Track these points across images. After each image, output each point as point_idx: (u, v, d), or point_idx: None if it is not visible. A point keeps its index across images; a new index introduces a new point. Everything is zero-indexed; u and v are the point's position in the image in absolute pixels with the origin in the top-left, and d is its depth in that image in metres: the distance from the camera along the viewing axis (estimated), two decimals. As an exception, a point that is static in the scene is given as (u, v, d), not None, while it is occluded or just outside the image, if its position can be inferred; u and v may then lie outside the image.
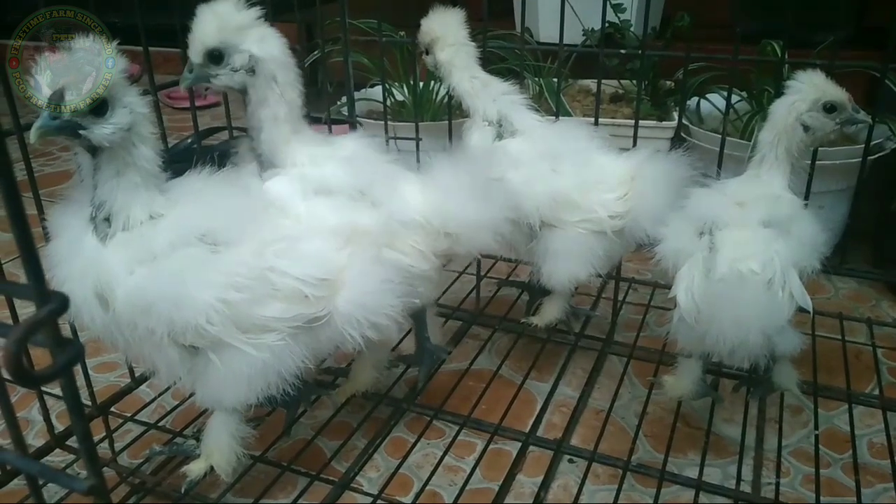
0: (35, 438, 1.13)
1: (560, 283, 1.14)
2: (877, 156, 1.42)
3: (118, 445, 1.04)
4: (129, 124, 0.74)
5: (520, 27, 1.29)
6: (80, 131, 0.72)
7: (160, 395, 1.15)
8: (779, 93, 1.03)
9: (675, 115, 1.61)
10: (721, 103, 1.64)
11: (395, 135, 1.47)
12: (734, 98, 1.61)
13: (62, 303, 0.41)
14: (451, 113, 1.34)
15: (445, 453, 1.05)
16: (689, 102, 1.62)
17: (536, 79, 1.72)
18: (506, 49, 1.73)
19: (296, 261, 0.83)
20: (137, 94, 0.75)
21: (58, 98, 0.70)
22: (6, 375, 0.39)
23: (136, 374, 1.09)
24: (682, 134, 1.55)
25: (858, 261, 1.50)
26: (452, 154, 1.07)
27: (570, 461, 1.07)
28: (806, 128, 0.96)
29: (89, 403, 1.02)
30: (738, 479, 0.99)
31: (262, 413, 1.06)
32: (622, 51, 1.23)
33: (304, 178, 0.92)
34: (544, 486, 1.01)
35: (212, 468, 0.90)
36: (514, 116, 1.13)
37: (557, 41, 1.24)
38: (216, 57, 0.87)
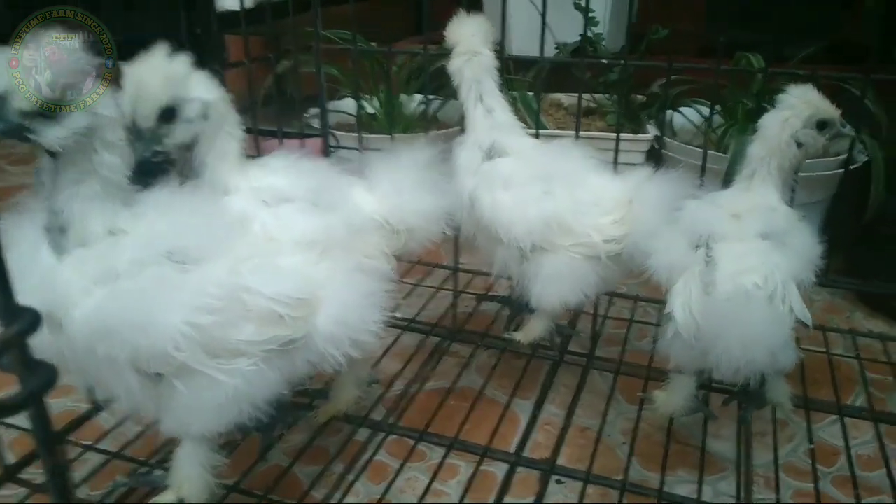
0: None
1: (550, 306, 1.10)
2: (851, 167, 1.43)
3: (77, 476, 0.97)
4: (86, 128, 0.67)
5: (500, 38, 1.26)
6: (28, 135, 0.65)
7: (121, 422, 1.08)
8: (759, 105, 1.04)
9: (650, 127, 1.61)
10: (694, 117, 1.65)
11: (367, 147, 1.44)
12: (708, 111, 1.62)
13: (33, 320, 0.36)
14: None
15: (433, 479, 0.99)
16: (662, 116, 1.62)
17: (511, 92, 1.70)
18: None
19: (270, 279, 0.77)
20: (104, 94, 0.69)
21: (1, 99, 0.63)
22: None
23: (95, 400, 1.01)
24: (657, 146, 1.55)
25: (832, 272, 1.51)
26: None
27: (559, 482, 1.03)
28: (799, 144, 0.94)
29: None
30: (739, 495, 0.96)
31: (235, 438, 1.00)
32: (604, 60, 1.21)
33: (259, 191, 0.89)
34: (535, 508, 0.97)
35: (181, 501, 0.83)
36: (506, 141, 1.09)
37: (527, 55, 1.21)
38: (169, 114, 0.82)
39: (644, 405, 1.11)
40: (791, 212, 0.95)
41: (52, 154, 0.68)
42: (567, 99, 1.81)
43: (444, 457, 1.02)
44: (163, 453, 1.00)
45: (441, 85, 1.83)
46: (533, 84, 1.38)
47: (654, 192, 1.03)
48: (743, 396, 1.02)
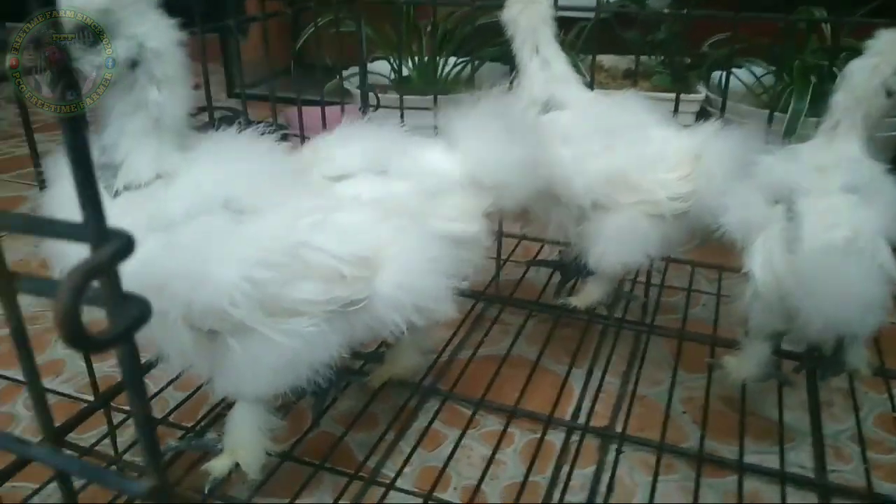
0: (24, 435, 1.01)
1: (611, 268, 1.05)
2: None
3: (121, 442, 0.93)
4: (131, 59, 0.63)
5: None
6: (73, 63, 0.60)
7: (163, 388, 1.04)
8: (821, 62, 0.97)
9: (700, 88, 1.54)
10: (746, 77, 1.58)
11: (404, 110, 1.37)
12: (760, 71, 1.55)
13: (127, 243, 0.31)
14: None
15: (497, 448, 0.95)
16: (712, 76, 1.55)
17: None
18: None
19: (333, 235, 0.72)
20: (162, 24, 0.64)
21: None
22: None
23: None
24: (708, 108, 1.48)
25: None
26: (467, 108, 0.94)
27: (620, 452, 0.99)
28: (889, 93, 0.88)
29: (86, 397, 0.91)
30: (821, 466, 0.92)
31: (290, 402, 0.96)
32: (665, 10, 1.14)
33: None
34: (596, 478, 0.93)
35: (237, 465, 0.80)
36: (564, 94, 1.03)
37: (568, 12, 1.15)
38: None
39: (713, 372, 1.05)
40: (876, 165, 0.89)
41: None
42: (609, 60, 1.74)
43: (506, 426, 0.97)
44: (208, 419, 0.97)
45: (476, 47, 1.78)
46: (575, 43, 1.32)
47: (723, 147, 0.96)
48: (818, 363, 0.97)
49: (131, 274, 0.60)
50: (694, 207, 0.98)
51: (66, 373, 1.14)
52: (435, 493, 0.87)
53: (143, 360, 0.97)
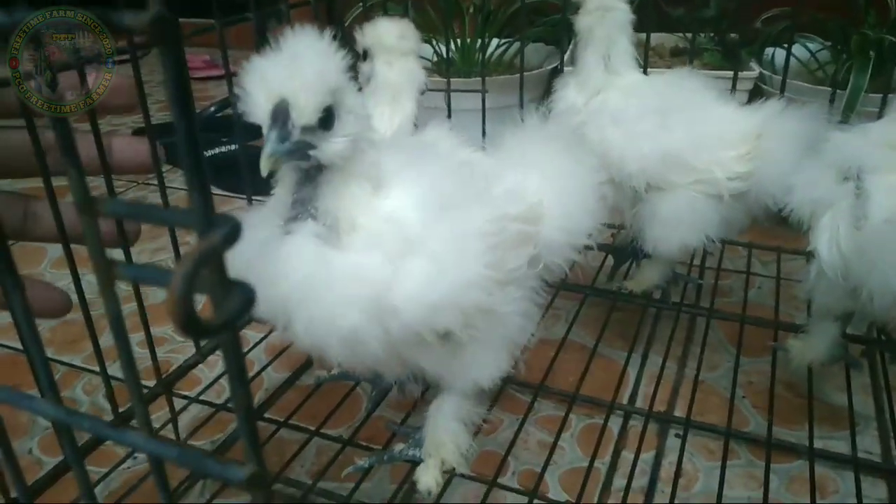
0: (84, 421, 1.03)
1: (668, 251, 1.02)
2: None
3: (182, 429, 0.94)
4: (358, 133, 0.61)
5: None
6: (311, 152, 0.58)
7: (221, 375, 1.05)
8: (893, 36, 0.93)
9: (753, 65, 1.50)
10: (799, 53, 1.53)
11: (450, 93, 1.35)
12: (815, 47, 1.50)
13: (234, 228, 0.30)
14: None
15: (559, 435, 0.92)
16: (765, 53, 1.51)
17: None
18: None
19: (513, 200, 0.73)
20: (354, 91, 0.61)
21: (283, 113, 0.56)
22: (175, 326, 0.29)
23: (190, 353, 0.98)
24: (762, 85, 1.44)
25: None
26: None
27: (678, 436, 0.97)
28: None
29: (146, 383, 0.92)
30: (887, 451, 0.89)
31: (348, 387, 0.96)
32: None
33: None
34: (657, 462, 0.92)
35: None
36: (616, 79, 1.00)
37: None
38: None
39: (776, 356, 1.03)
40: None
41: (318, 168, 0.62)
42: (655, 38, 1.70)
43: (568, 412, 0.96)
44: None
45: (516, 28, 1.75)
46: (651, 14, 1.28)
47: (786, 126, 0.93)
48: (884, 346, 0.94)
49: (407, 299, 0.61)
50: (754, 188, 0.95)
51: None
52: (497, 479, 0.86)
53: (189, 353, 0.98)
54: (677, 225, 0.99)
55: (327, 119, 0.58)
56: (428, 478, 0.78)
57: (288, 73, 0.56)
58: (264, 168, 0.56)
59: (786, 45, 1.46)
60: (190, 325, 0.29)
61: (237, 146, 0.97)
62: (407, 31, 0.95)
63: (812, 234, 0.83)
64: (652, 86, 1.01)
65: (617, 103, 0.99)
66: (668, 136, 0.95)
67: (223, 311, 0.31)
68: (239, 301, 0.31)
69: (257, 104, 0.56)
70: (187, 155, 0.29)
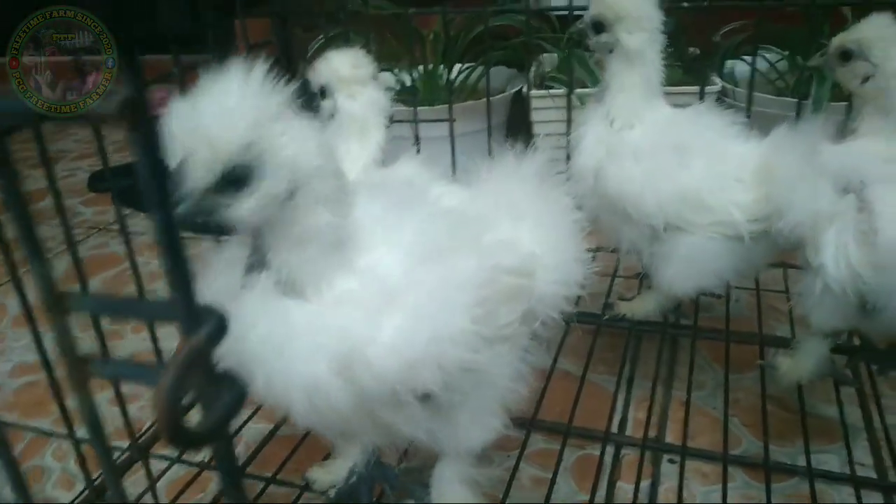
0: (55, 489, 0.98)
1: (683, 291, 1.00)
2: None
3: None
4: (288, 191, 0.54)
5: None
6: (212, 219, 0.52)
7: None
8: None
9: (715, 79, 1.51)
10: (758, 64, 1.54)
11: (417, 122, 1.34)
12: (774, 57, 1.52)
13: (219, 323, 0.28)
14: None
15: (558, 471, 0.91)
16: (726, 65, 1.53)
17: (558, 51, 1.61)
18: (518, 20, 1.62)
19: (506, 252, 0.69)
20: (306, 128, 0.55)
21: (180, 172, 0.49)
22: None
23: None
24: (724, 98, 1.45)
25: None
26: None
27: (671, 462, 0.96)
28: None
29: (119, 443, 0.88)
30: (879, 463, 0.89)
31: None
32: (685, 3, 1.11)
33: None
34: (653, 491, 0.90)
35: None
36: (639, 110, 0.97)
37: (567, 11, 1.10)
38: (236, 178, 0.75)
39: (763, 372, 1.02)
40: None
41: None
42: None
43: (563, 446, 0.93)
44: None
45: (479, 53, 1.75)
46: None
47: (793, 154, 0.87)
48: (868, 355, 0.94)
49: (382, 356, 0.56)
50: (775, 227, 0.89)
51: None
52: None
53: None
54: (695, 265, 0.96)
55: (238, 178, 0.51)
56: None
57: (191, 126, 0.49)
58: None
59: (745, 58, 1.49)
60: (179, 437, 0.26)
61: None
62: (359, 59, 0.93)
63: (812, 249, 0.82)
64: (675, 121, 0.98)
65: (639, 139, 0.96)
66: (689, 176, 0.92)
67: (213, 412, 0.28)
68: (229, 399, 0.29)
69: (170, 157, 0.49)
70: (166, 249, 0.26)
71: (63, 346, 0.30)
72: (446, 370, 0.60)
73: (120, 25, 0.23)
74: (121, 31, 0.24)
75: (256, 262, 0.60)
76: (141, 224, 1.65)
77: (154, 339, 0.84)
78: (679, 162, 0.93)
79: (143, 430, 1.00)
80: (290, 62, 1.13)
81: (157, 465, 0.92)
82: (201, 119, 0.49)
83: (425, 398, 0.62)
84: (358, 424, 0.64)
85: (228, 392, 0.28)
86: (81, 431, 1.05)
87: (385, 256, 0.61)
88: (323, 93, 0.92)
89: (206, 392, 0.28)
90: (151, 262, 1.53)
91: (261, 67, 0.53)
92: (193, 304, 0.27)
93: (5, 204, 0.29)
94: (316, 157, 0.56)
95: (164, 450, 0.96)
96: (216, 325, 0.27)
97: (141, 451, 0.86)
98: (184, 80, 0.86)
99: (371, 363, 0.57)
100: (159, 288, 1.42)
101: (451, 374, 0.61)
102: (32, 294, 0.54)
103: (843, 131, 0.91)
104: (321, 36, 1.48)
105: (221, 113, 0.50)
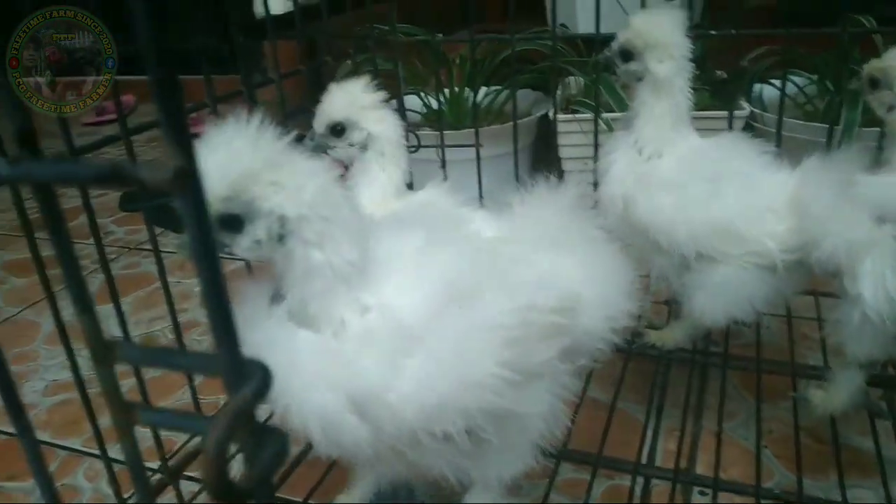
0: (88, 510, 0.99)
1: (713, 321, 0.99)
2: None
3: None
4: (278, 234, 0.57)
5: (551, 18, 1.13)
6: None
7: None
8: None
9: (743, 104, 1.51)
10: (787, 88, 1.54)
11: (444, 148, 1.35)
12: (803, 81, 1.51)
13: (264, 378, 0.28)
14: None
15: (588, 502, 0.90)
16: (754, 89, 1.52)
17: (583, 77, 1.61)
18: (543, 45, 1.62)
19: (545, 289, 0.67)
20: (302, 168, 0.57)
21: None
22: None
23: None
24: (753, 123, 1.45)
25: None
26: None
27: (703, 493, 0.94)
28: None
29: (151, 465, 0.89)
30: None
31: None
32: (713, 31, 1.11)
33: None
34: (684, 525, 0.89)
35: None
36: (670, 139, 0.97)
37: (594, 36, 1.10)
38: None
39: (796, 403, 1.00)
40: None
41: None
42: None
43: (593, 477, 0.92)
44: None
45: (505, 76, 1.76)
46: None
47: (830, 184, 0.86)
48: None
49: (405, 400, 0.57)
50: (810, 257, 0.87)
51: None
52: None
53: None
54: (727, 295, 0.95)
55: (231, 222, 0.56)
56: None
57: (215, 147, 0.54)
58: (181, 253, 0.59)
59: (773, 82, 1.48)
60: (226, 491, 0.26)
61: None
62: (365, 85, 0.95)
63: (849, 278, 0.81)
64: (704, 151, 0.98)
65: (668, 168, 0.96)
66: (720, 206, 0.92)
67: (257, 465, 0.29)
68: (272, 452, 0.29)
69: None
70: (212, 304, 0.27)
71: (109, 394, 0.31)
72: (470, 415, 0.60)
73: (170, 89, 0.24)
74: (170, 94, 0.24)
75: (276, 293, 0.63)
76: (172, 243, 1.69)
77: (192, 387, 0.89)
78: (711, 192, 0.92)
79: (173, 452, 1.01)
80: (320, 88, 1.15)
81: (186, 487, 0.93)
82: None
83: (448, 438, 0.62)
84: (378, 457, 0.64)
85: (271, 445, 0.29)
86: (114, 451, 1.07)
87: (407, 293, 0.61)
88: (342, 130, 0.93)
89: (249, 445, 0.28)
90: (182, 282, 1.57)
91: (256, 118, 0.56)
92: (238, 358, 0.27)
93: (58, 257, 0.30)
94: (303, 205, 0.56)
95: (193, 471, 0.97)
96: (261, 380, 0.28)
97: (172, 474, 0.87)
98: (215, 104, 0.88)
99: (391, 406, 0.58)
100: (190, 307, 1.45)
101: (476, 419, 0.61)
102: (66, 312, 0.57)
103: (876, 160, 0.90)
104: (348, 61, 1.51)
105: (210, 167, 0.53)
